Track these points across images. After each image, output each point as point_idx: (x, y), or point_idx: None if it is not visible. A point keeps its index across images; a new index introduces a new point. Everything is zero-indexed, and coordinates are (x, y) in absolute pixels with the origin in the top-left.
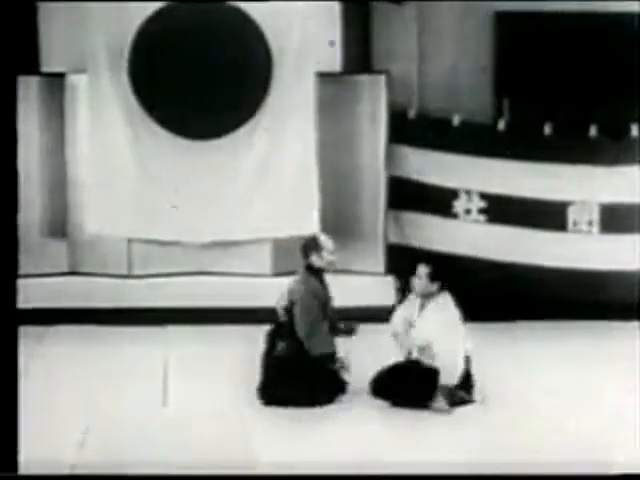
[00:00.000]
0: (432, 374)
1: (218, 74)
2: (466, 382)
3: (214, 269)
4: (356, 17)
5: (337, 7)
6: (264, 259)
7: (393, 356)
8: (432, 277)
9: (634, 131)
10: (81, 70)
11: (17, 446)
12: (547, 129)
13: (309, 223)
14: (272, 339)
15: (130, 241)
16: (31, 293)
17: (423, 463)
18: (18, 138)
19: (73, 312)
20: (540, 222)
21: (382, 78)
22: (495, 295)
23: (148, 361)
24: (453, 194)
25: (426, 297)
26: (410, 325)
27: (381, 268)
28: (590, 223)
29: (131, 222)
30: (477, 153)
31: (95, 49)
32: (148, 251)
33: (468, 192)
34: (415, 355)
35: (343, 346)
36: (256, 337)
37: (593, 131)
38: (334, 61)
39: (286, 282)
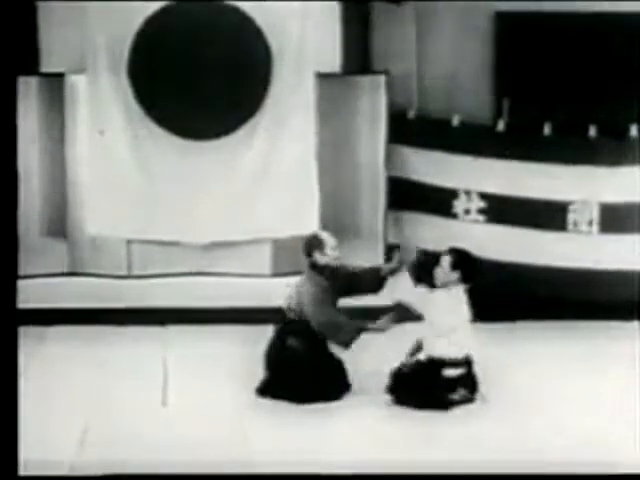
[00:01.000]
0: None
1: (218, 74)
2: (468, 381)
3: (214, 269)
4: (356, 17)
5: (337, 7)
6: (264, 259)
7: (393, 356)
8: (454, 266)
9: (634, 131)
10: (81, 70)
11: (17, 446)
12: (547, 129)
13: (309, 223)
14: (281, 336)
15: (130, 241)
16: (31, 293)
17: (426, 462)
18: (18, 138)
19: (73, 312)
20: (540, 222)
21: (382, 78)
22: (495, 295)
23: (148, 361)
24: (453, 194)
25: (444, 286)
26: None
27: None
28: (590, 223)
29: (131, 222)
30: (477, 153)
31: (95, 49)
32: (148, 251)
33: (468, 192)
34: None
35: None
36: (256, 337)
37: (593, 131)
38: (334, 61)
39: (285, 282)
